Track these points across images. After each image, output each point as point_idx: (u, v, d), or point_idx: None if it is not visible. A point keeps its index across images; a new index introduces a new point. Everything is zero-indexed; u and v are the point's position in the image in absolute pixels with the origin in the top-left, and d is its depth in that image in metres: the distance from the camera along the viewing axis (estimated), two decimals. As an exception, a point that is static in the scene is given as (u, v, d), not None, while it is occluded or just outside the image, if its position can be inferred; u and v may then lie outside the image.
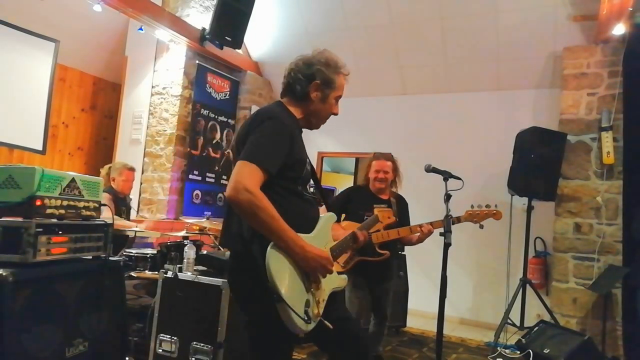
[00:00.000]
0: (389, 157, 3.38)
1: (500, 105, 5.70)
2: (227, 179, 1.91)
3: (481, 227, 3.05)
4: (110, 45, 6.58)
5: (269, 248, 1.58)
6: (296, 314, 1.58)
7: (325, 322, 1.73)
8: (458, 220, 3.05)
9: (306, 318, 1.63)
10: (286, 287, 1.58)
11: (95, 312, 2.46)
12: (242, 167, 1.58)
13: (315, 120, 1.90)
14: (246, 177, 1.56)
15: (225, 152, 6.47)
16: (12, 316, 2.02)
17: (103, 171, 4.29)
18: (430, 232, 3.08)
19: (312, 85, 1.82)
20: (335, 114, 1.93)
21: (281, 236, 1.59)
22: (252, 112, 6.53)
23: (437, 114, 6.07)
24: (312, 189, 1.96)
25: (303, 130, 1.91)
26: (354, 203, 3.35)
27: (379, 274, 3.30)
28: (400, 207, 3.37)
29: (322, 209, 3.31)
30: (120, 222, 3.74)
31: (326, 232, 1.88)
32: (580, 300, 4.69)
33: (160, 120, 6.10)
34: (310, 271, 1.68)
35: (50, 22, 5.69)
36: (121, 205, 4.18)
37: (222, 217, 2.01)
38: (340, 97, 1.90)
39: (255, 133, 1.66)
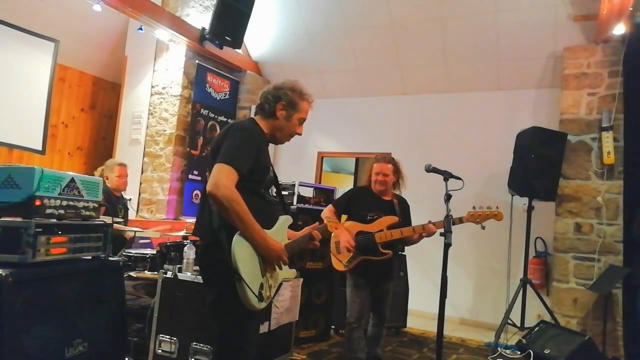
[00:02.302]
0: (389, 159, 3.41)
1: (500, 105, 5.69)
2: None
3: (483, 227, 3.10)
4: (110, 45, 6.58)
5: (235, 236, 1.88)
6: (251, 291, 1.89)
7: (275, 304, 2.21)
8: (460, 220, 3.10)
9: (259, 297, 1.94)
10: (245, 269, 1.88)
11: (95, 312, 2.46)
12: (221, 168, 1.89)
13: (279, 135, 2.20)
14: (224, 176, 1.87)
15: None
16: (12, 316, 2.02)
17: (97, 173, 4.28)
18: (433, 232, 3.13)
19: (278, 105, 2.14)
20: (299, 134, 2.23)
21: (248, 227, 1.89)
22: (252, 112, 6.60)
23: (437, 114, 6.06)
24: (274, 193, 2.26)
25: (282, 140, 2.23)
26: (357, 204, 3.40)
27: (380, 274, 3.34)
28: (402, 209, 3.43)
29: (329, 209, 3.39)
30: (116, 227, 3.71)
31: (283, 231, 2.17)
32: (581, 300, 4.68)
33: (159, 120, 6.09)
34: (267, 259, 1.99)
35: (50, 22, 5.69)
36: (117, 204, 4.18)
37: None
38: (304, 119, 2.22)
39: (230, 141, 1.98)
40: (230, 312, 1.98)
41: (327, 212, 3.42)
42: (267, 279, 2.02)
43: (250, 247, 1.92)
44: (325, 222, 2.37)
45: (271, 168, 2.18)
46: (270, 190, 2.19)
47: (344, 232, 3.24)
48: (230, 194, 1.84)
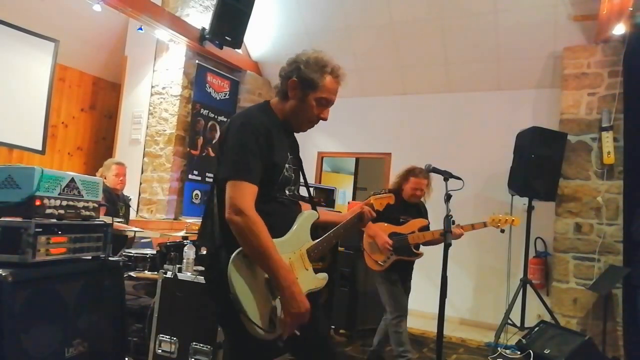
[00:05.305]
0: (427, 175, 3.48)
1: (500, 105, 5.69)
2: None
3: (502, 231, 3.40)
4: (109, 45, 6.58)
5: (230, 262, 1.55)
6: (257, 326, 1.55)
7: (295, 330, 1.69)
8: (484, 225, 3.39)
9: (269, 328, 1.58)
10: (249, 300, 1.56)
11: (95, 312, 2.46)
12: (234, 187, 1.57)
13: (294, 122, 1.81)
14: (239, 197, 1.56)
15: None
16: (12, 316, 2.02)
17: (97, 175, 4.30)
18: (460, 235, 3.33)
19: (290, 82, 1.75)
20: (323, 119, 1.82)
21: (270, 267, 1.56)
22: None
23: (437, 114, 6.06)
24: (291, 192, 1.84)
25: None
26: (388, 207, 3.52)
27: (406, 273, 3.55)
28: (425, 212, 3.66)
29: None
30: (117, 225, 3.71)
31: (304, 231, 1.78)
32: (581, 300, 4.68)
33: (159, 120, 6.09)
34: (287, 308, 1.58)
35: (50, 22, 5.68)
36: (118, 202, 4.18)
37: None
38: (325, 99, 1.78)
39: (232, 144, 1.63)
40: (239, 342, 1.66)
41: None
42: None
43: (251, 268, 1.58)
44: (371, 199, 2.11)
45: (286, 165, 1.76)
46: (285, 189, 1.79)
47: (380, 233, 3.37)
48: (248, 221, 1.53)
